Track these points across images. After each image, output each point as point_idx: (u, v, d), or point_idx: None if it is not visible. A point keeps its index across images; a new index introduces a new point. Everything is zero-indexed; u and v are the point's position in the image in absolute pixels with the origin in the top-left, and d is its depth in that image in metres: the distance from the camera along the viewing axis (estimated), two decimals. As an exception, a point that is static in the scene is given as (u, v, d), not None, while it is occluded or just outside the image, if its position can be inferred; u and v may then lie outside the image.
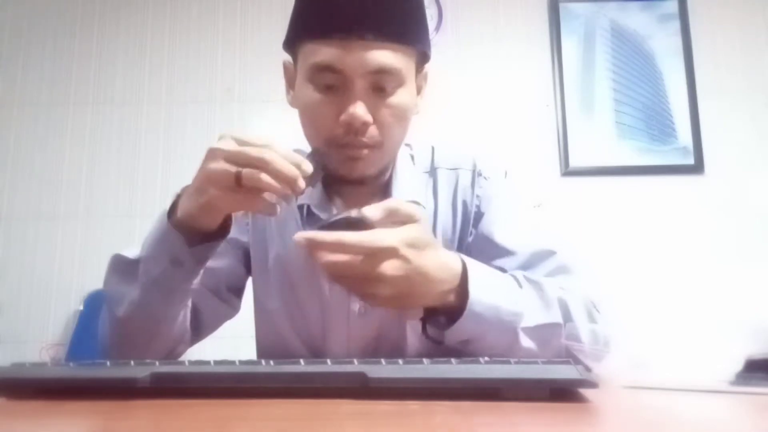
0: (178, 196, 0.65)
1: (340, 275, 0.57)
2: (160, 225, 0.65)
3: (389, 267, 0.55)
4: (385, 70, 0.70)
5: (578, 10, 2.31)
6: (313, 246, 0.55)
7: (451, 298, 0.61)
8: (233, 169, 0.57)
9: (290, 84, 0.80)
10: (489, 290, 0.63)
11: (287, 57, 0.79)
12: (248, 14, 2.34)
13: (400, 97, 0.72)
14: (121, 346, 0.71)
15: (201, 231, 0.65)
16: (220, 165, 0.58)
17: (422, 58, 0.77)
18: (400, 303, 0.59)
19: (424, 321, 0.65)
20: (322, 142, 0.73)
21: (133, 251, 0.69)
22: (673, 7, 2.30)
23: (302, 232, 0.55)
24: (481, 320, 0.61)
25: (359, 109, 0.69)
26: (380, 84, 0.70)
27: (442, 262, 0.61)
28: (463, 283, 0.62)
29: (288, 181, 0.57)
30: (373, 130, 0.71)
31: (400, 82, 0.72)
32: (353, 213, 0.56)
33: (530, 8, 2.33)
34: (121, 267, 0.69)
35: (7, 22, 2.32)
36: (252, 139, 0.59)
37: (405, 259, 0.56)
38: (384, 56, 0.69)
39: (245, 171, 0.57)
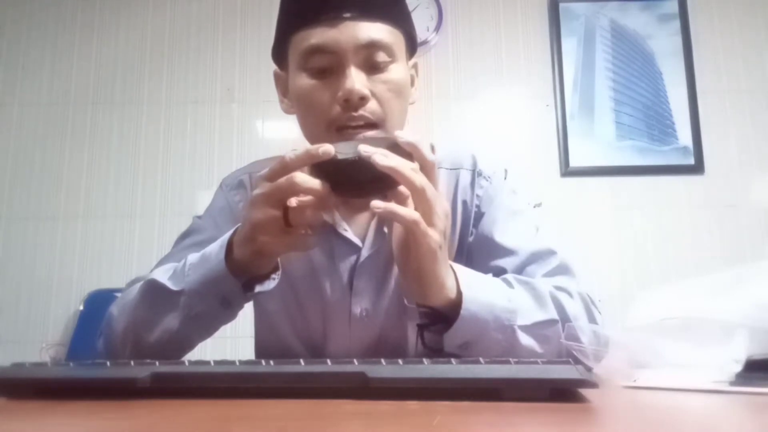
0: (230, 241, 0.64)
1: (422, 192, 0.55)
2: (214, 266, 0.64)
3: (443, 215, 0.57)
4: (376, 43, 0.71)
5: (578, 10, 2.31)
6: (414, 146, 0.57)
7: (452, 296, 0.61)
8: (279, 213, 0.58)
9: (283, 92, 0.81)
10: (481, 290, 0.63)
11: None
12: (248, 14, 2.34)
13: (394, 72, 0.73)
14: (130, 359, 0.71)
15: (249, 274, 0.65)
16: (265, 212, 0.58)
17: (410, 44, 0.79)
18: (438, 251, 0.58)
19: (422, 330, 0.64)
20: (322, 128, 0.72)
21: (164, 276, 0.68)
22: (673, 7, 2.30)
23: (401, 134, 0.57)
24: (478, 319, 0.61)
25: (356, 83, 0.69)
26: (372, 59, 0.72)
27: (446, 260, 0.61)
28: (456, 288, 0.62)
29: (319, 193, 0.57)
30: (373, 105, 0.71)
31: (392, 58, 0.73)
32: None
33: (530, 8, 2.33)
34: (158, 294, 0.68)
35: (7, 22, 2.32)
36: (273, 167, 0.58)
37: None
38: (373, 30, 0.71)
39: (291, 211, 0.58)
